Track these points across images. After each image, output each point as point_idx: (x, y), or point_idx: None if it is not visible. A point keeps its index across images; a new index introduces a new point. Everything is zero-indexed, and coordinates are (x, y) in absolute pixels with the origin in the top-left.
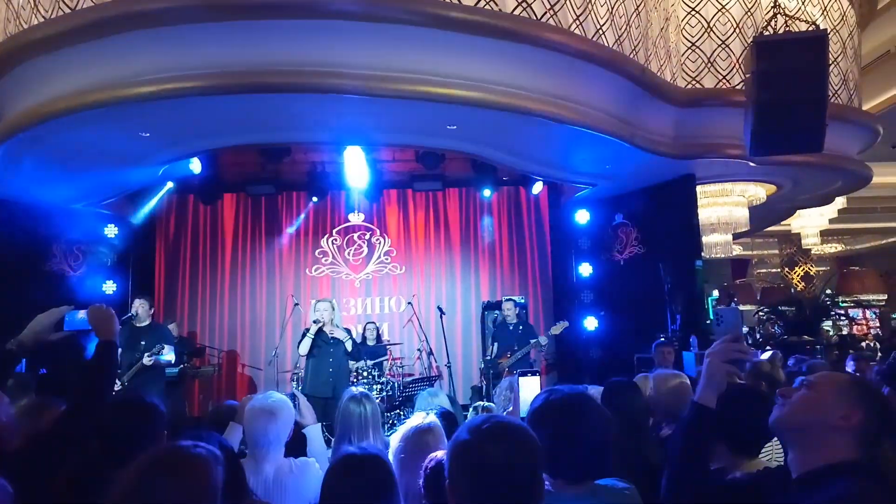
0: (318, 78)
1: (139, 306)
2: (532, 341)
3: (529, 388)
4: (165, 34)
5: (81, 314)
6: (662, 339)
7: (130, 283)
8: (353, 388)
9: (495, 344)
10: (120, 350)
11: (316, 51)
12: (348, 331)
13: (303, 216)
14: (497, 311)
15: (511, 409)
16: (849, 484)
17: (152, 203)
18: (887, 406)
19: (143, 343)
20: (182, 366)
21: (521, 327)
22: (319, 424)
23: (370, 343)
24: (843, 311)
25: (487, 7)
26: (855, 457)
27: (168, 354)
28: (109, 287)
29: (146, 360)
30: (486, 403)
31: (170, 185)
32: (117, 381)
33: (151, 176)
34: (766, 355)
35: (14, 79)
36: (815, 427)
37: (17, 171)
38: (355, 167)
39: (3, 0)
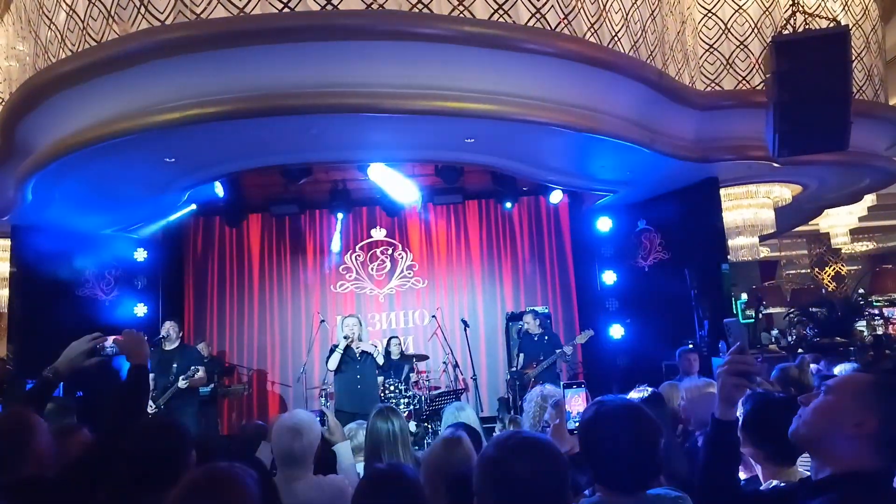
0: (335, 98)
1: (170, 328)
2: (557, 351)
3: (575, 401)
4: (188, 62)
5: (112, 340)
6: (690, 346)
7: (161, 306)
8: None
9: (521, 355)
10: (152, 374)
11: (332, 72)
12: (374, 346)
13: (337, 233)
14: (521, 322)
15: (558, 422)
16: (839, 495)
17: (173, 217)
18: None
19: (174, 365)
20: (213, 385)
21: (546, 337)
22: (349, 441)
23: (394, 357)
24: (877, 311)
25: (501, 20)
26: (872, 466)
27: (200, 374)
28: (140, 310)
29: (181, 384)
30: (514, 416)
31: (192, 206)
32: (151, 403)
33: (177, 200)
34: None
35: (44, 111)
36: (830, 436)
37: (49, 199)
38: (390, 183)
39: (31, 35)
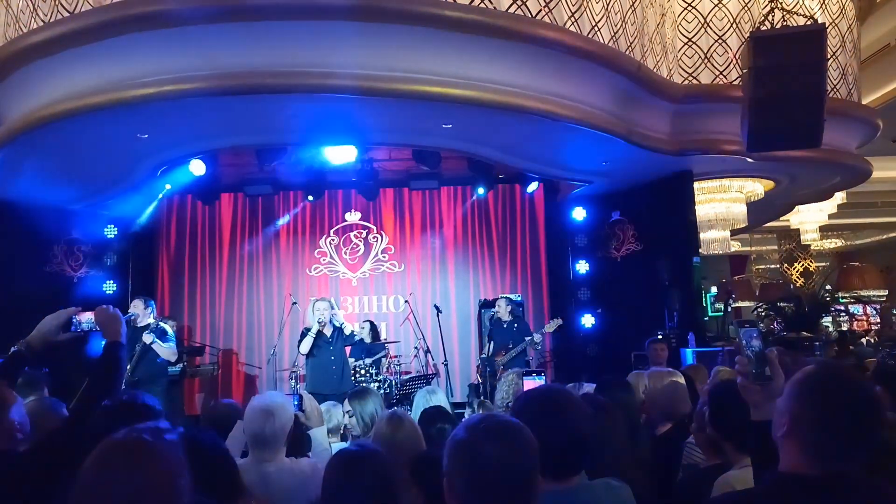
0: (314, 79)
1: (134, 306)
2: (527, 339)
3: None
4: (164, 36)
5: (87, 315)
6: (659, 337)
7: (130, 284)
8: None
9: (491, 342)
10: None
11: (312, 52)
12: (345, 324)
13: (296, 211)
14: (493, 309)
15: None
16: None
17: (150, 209)
18: (834, 409)
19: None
20: (182, 364)
21: (515, 325)
22: (325, 426)
23: (367, 341)
24: (842, 307)
25: (482, 5)
26: (800, 469)
27: (168, 345)
28: (109, 287)
29: (146, 338)
30: (484, 400)
31: (167, 186)
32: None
33: (150, 177)
34: None
35: (14, 82)
36: (774, 432)
37: (18, 172)
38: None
39: (2, 4)
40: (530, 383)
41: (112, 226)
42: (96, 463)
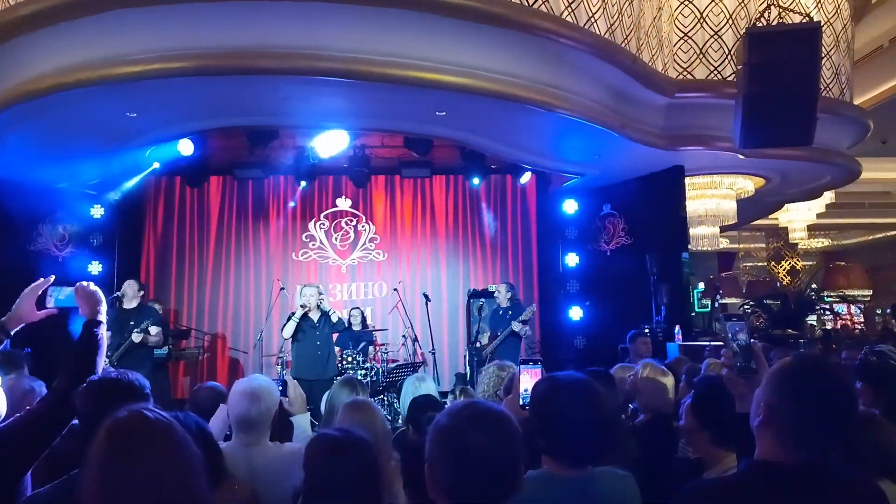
0: (305, 61)
1: (128, 286)
2: (513, 322)
3: (531, 378)
4: (153, 13)
5: (67, 291)
6: (646, 330)
7: (116, 265)
8: (352, 373)
9: (488, 330)
10: (109, 332)
11: (304, 33)
12: (334, 312)
13: (294, 202)
14: (482, 299)
15: (511, 396)
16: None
17: (135, 180)
18: (809, 398)
19: (131, 323)
20: (168, 347)
21: (510, 311)
22: (308, 413)
23: (355, 328)
24: (827, 306)
25: None
26: (775, 457)
27: (154, 332)
28: (95, 268)
29: (135, 337)
30: (465, 386)
31: (155, 165)
32: (106, 360)
33: (139, 156)
34: None
35: (0, 55)
36: (751, 422)
37: (2, 149)
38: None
39: None
40: (528, 372)
41: (98, 206)
42: (116, 443)
